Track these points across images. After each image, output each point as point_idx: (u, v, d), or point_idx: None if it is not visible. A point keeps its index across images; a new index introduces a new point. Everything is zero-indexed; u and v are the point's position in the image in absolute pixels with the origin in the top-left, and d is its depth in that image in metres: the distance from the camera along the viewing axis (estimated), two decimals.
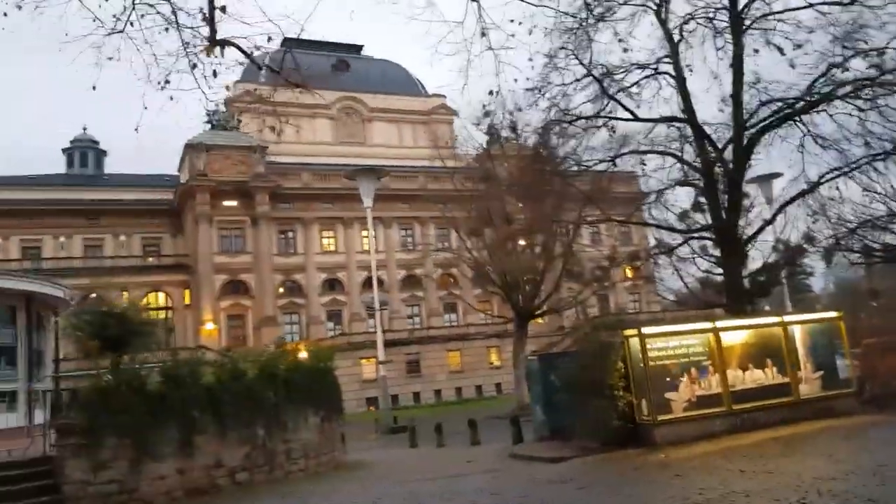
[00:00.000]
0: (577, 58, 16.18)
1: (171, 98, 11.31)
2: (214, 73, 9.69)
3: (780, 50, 15.14)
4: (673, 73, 17.91)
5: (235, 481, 11.78)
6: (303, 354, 15.38)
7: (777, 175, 29.23)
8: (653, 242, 27.30)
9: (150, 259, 59.38)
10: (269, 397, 12.77)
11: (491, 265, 37.16)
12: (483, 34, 12.77)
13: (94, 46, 10.04)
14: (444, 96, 73.39)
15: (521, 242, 37.43)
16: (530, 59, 13.35)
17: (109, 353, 11.37)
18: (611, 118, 17.54)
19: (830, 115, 16.67)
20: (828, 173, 17.37)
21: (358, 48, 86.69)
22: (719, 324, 14.68)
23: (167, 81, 10.71)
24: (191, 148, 57.64)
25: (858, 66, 16.66)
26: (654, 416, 13.44)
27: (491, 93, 12.62)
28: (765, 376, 14.72)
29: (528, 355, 23.26)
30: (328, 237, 64.04)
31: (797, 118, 17.05)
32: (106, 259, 56.96)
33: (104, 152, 69.27)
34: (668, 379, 13.89)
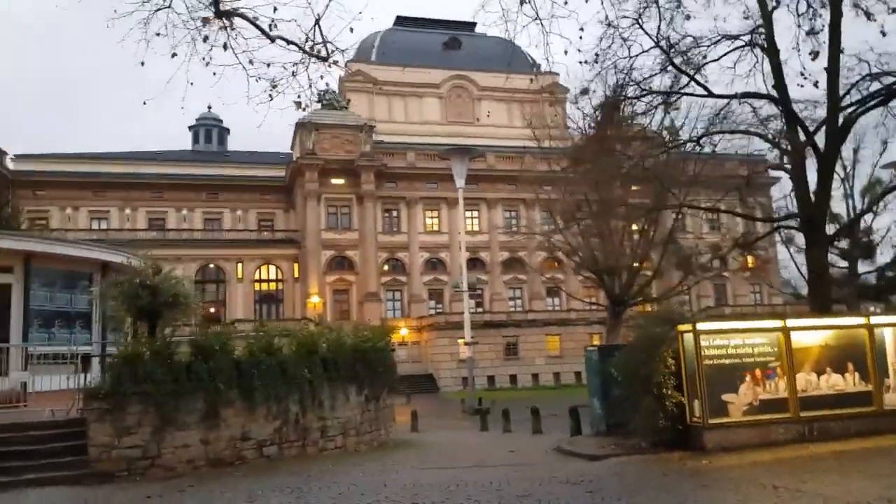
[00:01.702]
0: (641, 27, 14.98)
1: (214, 74, 11.48)
2: (204, 39, 9.59)
3: (869, 14, 13.30)
4: (764, 45, 16.30)
5: (263, 455, 11.93)
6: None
7: None
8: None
9: (265, 233, 62.13)
10: (304, 374, 12.79)
11: (584, 250, 35.94)
12: (522, 2, 12.08)
13: (142, 23, 10.26)
14: (557, 74, 71.64)
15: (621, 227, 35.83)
16: (581, 30, 12.44)
17: (142, 322, 11.77)
18: (684, 94, 16.19)
19: None
20: None
21: (471, 25, 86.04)
22: (790, 323, 13.32)
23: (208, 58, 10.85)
24: (301, 127, 59.51)
25: None
26: (706, 418, 12.44)
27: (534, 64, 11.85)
28: (844, 382, 13.27)
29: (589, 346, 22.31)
30: (432, 217, 64.54)
31: None
32: (224, 232, 60.19)
33: (227, 130, 73.06)
34: (726, 379, 12.80)
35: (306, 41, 11.02)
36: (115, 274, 16.72)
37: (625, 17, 14.72)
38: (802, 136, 15.68)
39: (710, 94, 16.20)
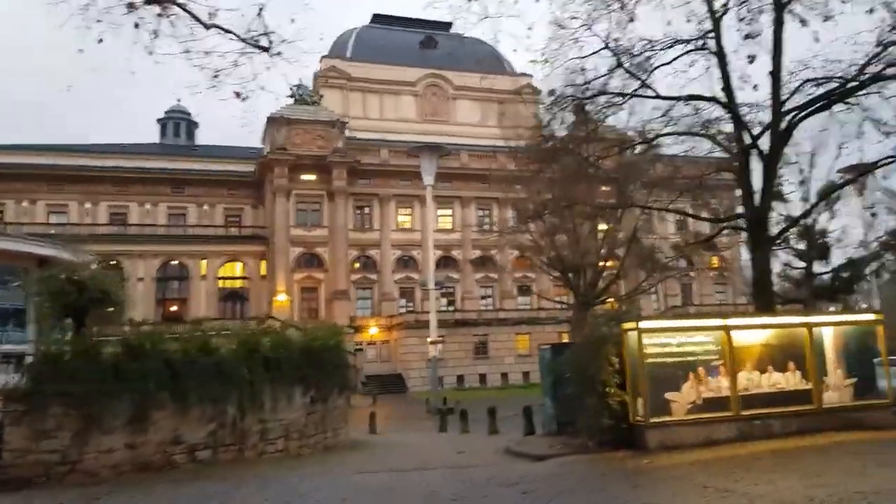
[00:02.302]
0: (590, 28, 14.92)
1: (157, 63, 11.16)
2: (135, 26, 9.29)
3: (803, 21, 13.41)
4: (714, 50, 16.35)
5: (196, 459, 11.58)
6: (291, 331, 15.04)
7: (875, 166, 26.76)
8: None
9: (232, 229, 61.20)
10: (244, 374, 12.47)
11: (550, 249, 35.96)
12: None
13: (81, 9, 9.91)
14: (531, 76, 71.67)
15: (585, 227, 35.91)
16: (529, 29, 12.34)
17: (69, 319, 11.38)
18: (633, 95, 16.17)
19: (886, 99, 14.74)
20: (884, 160, 15.46)
21: (447, 25, 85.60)
22: (731, 322, 13.34)
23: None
24: (272, 122, 58.82)
25: None
26: (648, 417, 12.38)
27: (478, 62, 11.72)
28: (785, 381, 13.32)
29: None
30: (405, 214, 64.06)
31: (847, 101, 15.21)
32: (188, 227, 59.21)
33: (196, 124, 71.94)
34: (669, 378, 12.77)
35: (248, 31, 10.79)
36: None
37: (574, 18, 14.69)
38: (749, 139, 15.75)
39: (659, 96, 16.24)
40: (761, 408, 12.96)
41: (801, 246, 31.53)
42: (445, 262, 62.82)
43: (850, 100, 15.53)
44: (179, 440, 11.41)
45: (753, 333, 13.50)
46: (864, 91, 14.91)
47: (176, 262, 57.51)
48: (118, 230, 55.69)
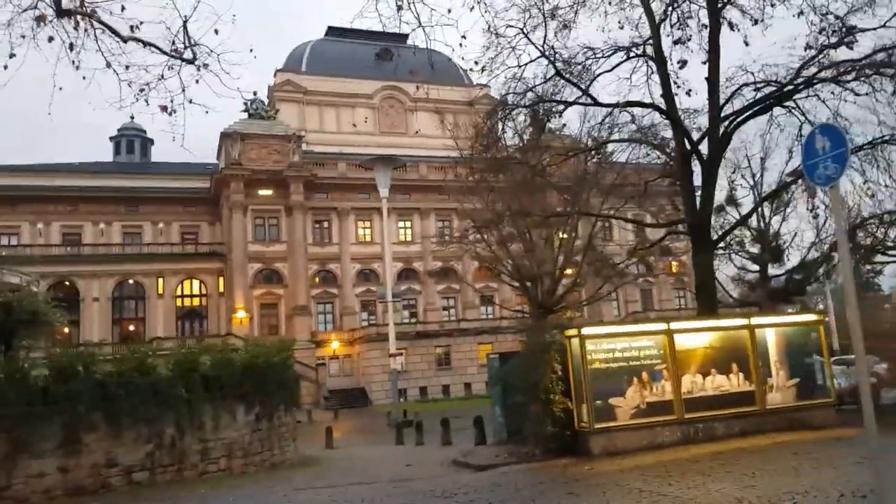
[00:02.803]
0: (526, 36, 15.01)
1: (84, 78, 10.89)
2: (49, 40, 9.05)
3: (732, 25, 13.67)
4: (654, 56, 16.56)
5: (132, 481, 11.31)
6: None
7: None
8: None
9: (188, 247, 60.12)
10: (181, 394, 12.20)
11: (505, 258, 35.98)
12: (399, 7, 11.89)
13: (4, 25, 9.61)
14: (488, 86, 71.99)
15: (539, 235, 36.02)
16: (463, 37, 12.30)
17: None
18: (571, 103, 16.32)
19: (823, 101, 15.09)
20: None
21: (403, 37, 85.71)
22: (674, 325, 13.48)
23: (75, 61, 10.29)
24: (226, 137, 58.10)
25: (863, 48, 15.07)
26: (592, 423, 12.40)
27: (411, 72, 11.73)
28: (728, 383, 13.46)
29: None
30: (364, 227, 63.63)
31: (785, 104, 15.52)
32: (143, 246, 58.07)
33: (151, 141, 70.72)
34: (613, 383, 12.81)
35: (172, 45, 10.57)
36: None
37: (510, 26, 14.75)
38: (689, 145, 15.96)
39: (597, 103, 16.40)
40: (705, 411, 13.09)
41: (755, 249, 32.09)
42: (407, 274, 62.69)
43: (788, 103, 15.85)
44: (114, 462, 11.12)
45: (696, 336, 13.64)
46: (801, 94, 15.23)
47: (132, 281, 56.37)
48: (72, 251, 54.41)
